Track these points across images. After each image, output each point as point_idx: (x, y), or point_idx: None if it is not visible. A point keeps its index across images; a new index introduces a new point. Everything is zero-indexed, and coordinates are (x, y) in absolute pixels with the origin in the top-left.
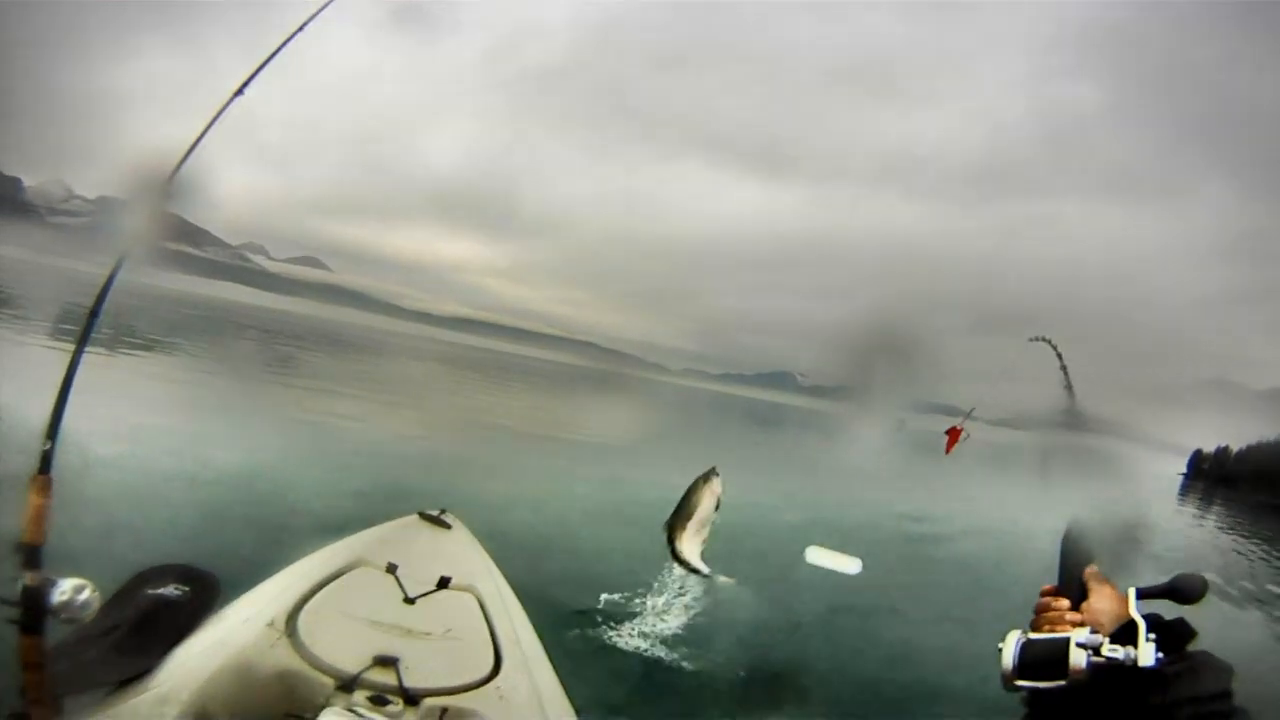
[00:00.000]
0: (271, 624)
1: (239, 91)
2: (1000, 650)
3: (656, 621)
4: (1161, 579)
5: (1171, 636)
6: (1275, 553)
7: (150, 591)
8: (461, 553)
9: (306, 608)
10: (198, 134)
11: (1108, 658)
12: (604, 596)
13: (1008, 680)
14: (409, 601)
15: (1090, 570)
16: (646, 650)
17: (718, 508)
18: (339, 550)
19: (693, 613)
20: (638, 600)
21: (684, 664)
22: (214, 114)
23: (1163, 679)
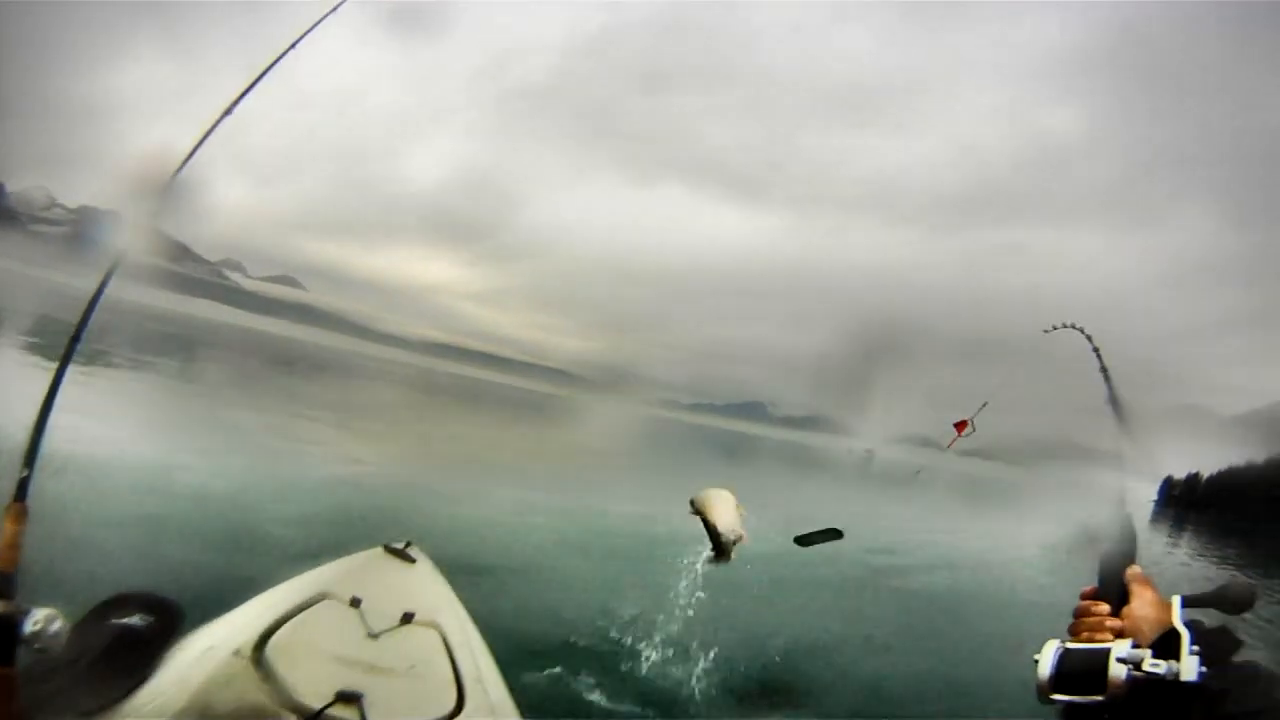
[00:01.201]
0: (237, 656)
1: (228, 111)
2: (1036, 660)
3: (621, 658)
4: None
5: (1216, 648)
6: (1244, 578)
7: (114, 620)
8: (426, 587)
9: (271, 640)
10: (186, 153)
11: (1149, 673)
12: (570, 635)
13: (1043, 692)
14: (373, 637)
15: (1132, 571)
16: (608, 690)
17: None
18: (304, 582)
19: (656, 645)
20: (603, 635)
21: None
22: (203, 133)
23: (1207, 694)
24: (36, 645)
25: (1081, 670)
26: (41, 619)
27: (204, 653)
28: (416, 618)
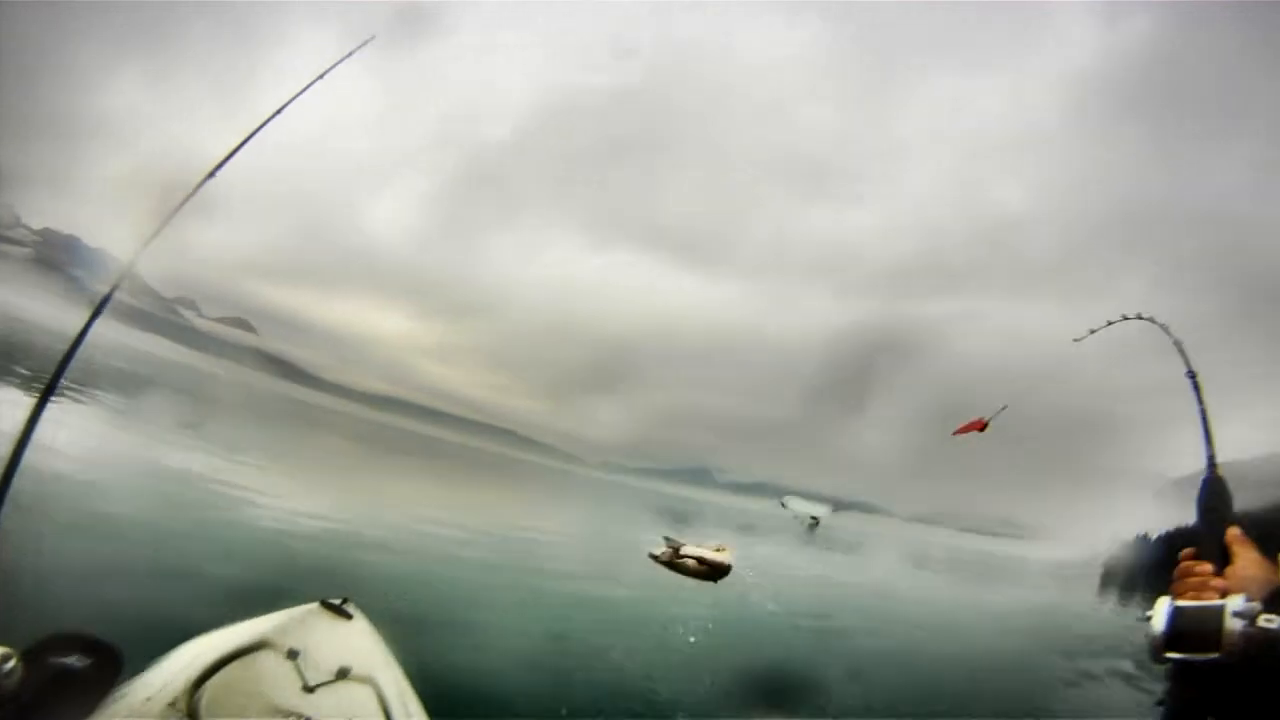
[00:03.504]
0: (174, 705)
1: (211, 174)
2: (1149, 618)
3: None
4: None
5: None
6: None
7: (53, 660)
8: (362, 643)
9: (208, 689)
10: (168, 215)
11: (1263, 628)
12: (510, 693)
13: (1157, 651)
14: (309, 690)
15: (1232, 533)
16: None
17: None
18: (241, 633)
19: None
20: (541, 697)
21: None
22: (185, 196)
23: None
24: None
25: (1195, 628)
26: None
27: (142, 703)
28: (353, 673)
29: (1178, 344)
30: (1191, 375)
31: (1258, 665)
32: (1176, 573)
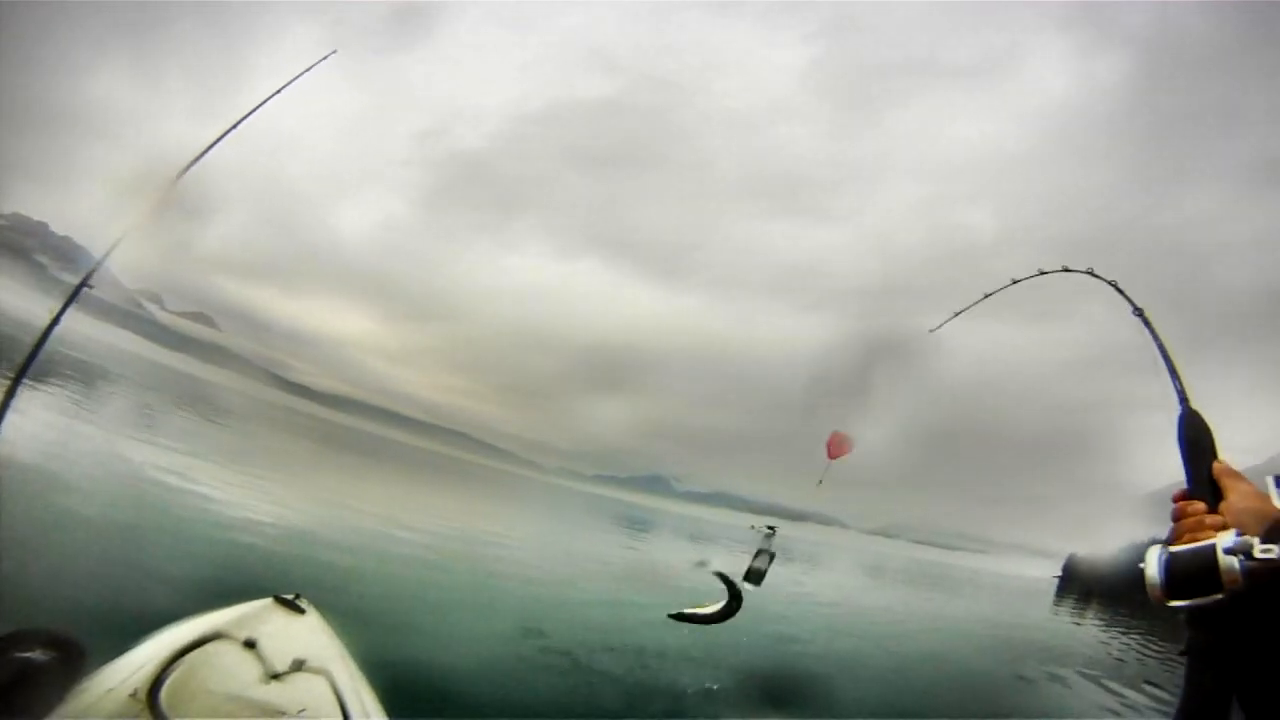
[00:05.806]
0: (134, 696)
1: (182, 174)
2: (1143, 569)
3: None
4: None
5: None
6: (1130, 655)
7: (16, 655)
8: (315, 637)
9: (168, 681)
10: (143, 211)
11: (1261, 559)
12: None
13: (1159, 601)
14: (265, 680)
15: (1219, 467)
16: None
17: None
18: (198, 625)
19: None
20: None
21: None
22: (159, 195)
23: None
24: None
25: (1191, 571)
26: None
27: (104, 694)
28: (307, 665)
29: (1113, 284)
30: (1139, 312)
31: (1265, 598)
32: (1172, 516)
